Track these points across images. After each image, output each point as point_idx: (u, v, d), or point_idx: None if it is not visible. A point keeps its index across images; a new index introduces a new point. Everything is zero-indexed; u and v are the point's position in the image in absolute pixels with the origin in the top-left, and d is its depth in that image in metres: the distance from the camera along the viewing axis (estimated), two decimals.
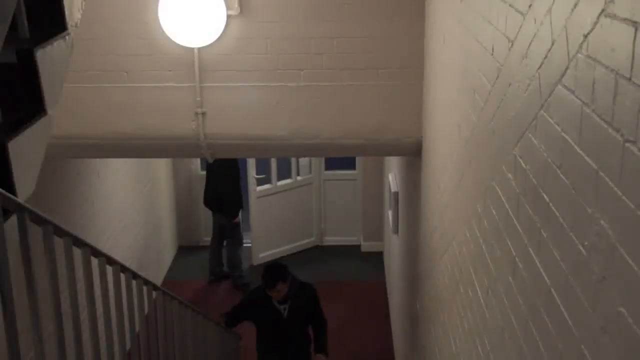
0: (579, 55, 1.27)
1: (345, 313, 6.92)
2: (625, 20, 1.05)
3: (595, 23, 1.18)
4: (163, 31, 3.80)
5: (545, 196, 1.49)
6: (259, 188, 7.95)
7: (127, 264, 2.94)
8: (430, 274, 3.55)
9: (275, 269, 4.84)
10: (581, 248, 1.24)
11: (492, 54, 2.04)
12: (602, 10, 1.15)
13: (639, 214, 1.00)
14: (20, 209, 1.91)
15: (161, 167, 7.91)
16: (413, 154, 4.17)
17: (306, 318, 5.09)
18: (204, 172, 8.39)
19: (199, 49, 3.88)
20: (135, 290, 3.07)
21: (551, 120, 1.45)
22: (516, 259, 1.73)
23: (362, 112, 4.00)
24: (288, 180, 8.18)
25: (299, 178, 8.25)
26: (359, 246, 8.43)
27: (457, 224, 2.71)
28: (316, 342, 5.11)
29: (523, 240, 1.67)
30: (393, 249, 6.47)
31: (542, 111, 1.52)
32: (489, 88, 2.08)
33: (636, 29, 1.01)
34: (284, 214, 8.14)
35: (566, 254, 1.34)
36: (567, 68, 1.35)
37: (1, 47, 1.93)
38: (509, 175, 1.82)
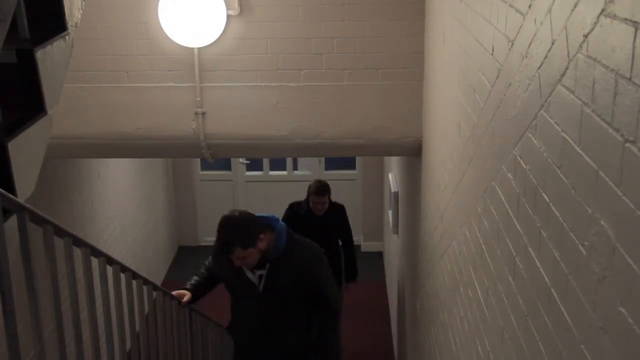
0: (579, 55, 1.27)
1: (345, 313, 6.92)
2: (625, 20, 1.05)
3: (595, 23, 1.18)
4: (163, 31, 3.80)
5: (545, 196, 1.49)
6: (248, 173, 8.14)
7: (127, 264, 2.93)
8: (430, 274, 3.55)
9: (230, 221, 3.23)
10: (581, 248, 1.24)
11: (492, 54, 2.04)
12: (602, 10, 1.15)
13: (639, 214, 1.00)
14: (20, 209, 1.91)
15: (161, 167, 7.91)
16: (413, 154, 4.17)
17: (298, 297, 3.48)
18: (205, 172, 8.39)
19: (199, 49, 3.88)
20: (135, 290, 3.07)
21: (551, 120, 1.45)
22: (516, 259, 1.73)
23: (362, 112, 4.00)
24: (283, 172, 8.23)
25: (296, 172, 8.29)
26: (359, 246, 8.43)
27: (457, 224, 2.71)
28: (318, 338, 3.63)
29: (523, 240, 1.67)
30: (393, 249, 6.47)
31: (542, 111, 1.52)
32: (489, 88, 2.08)
33: (636, 29, 1.01)
34: (282, 208, 8.14)
35: (566, 254, 1.34)
36: (567, 68, 1.35)
37: (1, 47, 1.93)
38: (509, 175, 1.82)
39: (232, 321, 3.70)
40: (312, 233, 4.49)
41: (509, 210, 1.82)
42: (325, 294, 3.54)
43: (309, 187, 5.52)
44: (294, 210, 5.63)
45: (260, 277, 3.40)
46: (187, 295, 3.62)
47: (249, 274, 3.37)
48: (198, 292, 3.74)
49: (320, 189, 5.45)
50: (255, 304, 3.44)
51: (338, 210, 5.70)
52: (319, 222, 5.44)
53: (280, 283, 3.39)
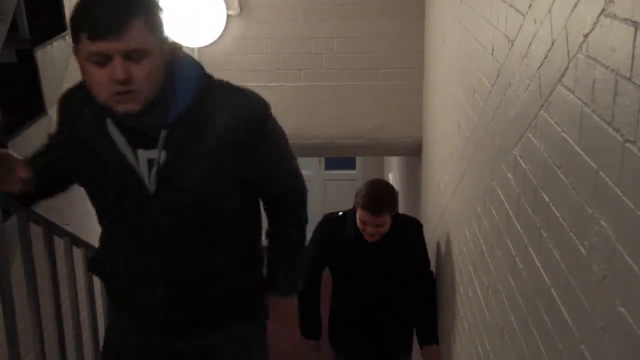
0: (579, 55, 1.27)
1: None
2: (625, 20, 1.05)
3: (595, 23, 1.18)
4: None
5: (545, 196, 1.49)
6: None
7: None
8: None
9: None
10: (581, 248, 1.24)
11: (492, 54, 2.04)
12: (602, 10, 1.15)
13: (639, 214, 1.00)
14: (20, 209, 1.91)
15: None
16: (413, 154, 4.17)
17: (224, 193, 1.70)
18: None
19: (199, 49, 3.88)
20: None
21: (551, 120, 1.45)
22: (516, 259, 1.73)
23: (362, 112, 4.00)
24: None
25: None
26: None
27: (457, 224, 2.71)
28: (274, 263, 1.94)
29: (523, 240, 1.67)
30: None
31: (542, 111, 1.52)
32: (489, 88, 2.08)
33: (636, 29, 1.01)
34: None
35: (566, 254, 1.34)
36: (567, 68, 1.35)
37: (1, 47, 1.93)
38: (509, 175, 1.82)
39: (99, 252, 1.88)
40: (360, 276, 2.99)
41: (509, 210, 1.82)
42: (277, 175, 1.83)
43: (357, 192, 2.98)
44: (329, 229, 3.04)
45: (151, 163, 1.62)
46: (22, 170, 1.67)
47: (129, 154, 1.62)
48: (42, 170, 1.76)
49: (377, 203, 2.87)
50: (143, 218, 1.68)
51: (409, 232, 3.10)
52: (372, 253, 2.96)
53: (191, 170, 1.63)
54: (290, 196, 1.92)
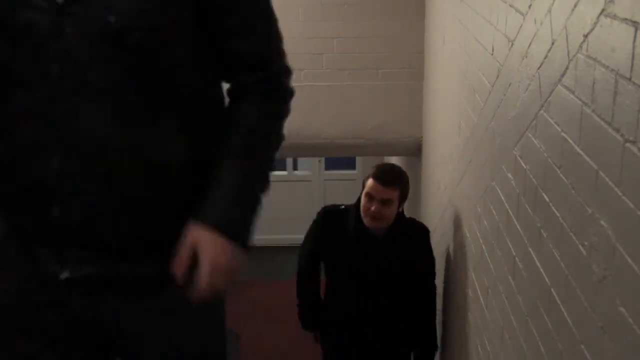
0: (579, 55, 1.27)
1: None
2: (625, 20, 1.05)
3: (595, 23, 1.18)
4: None
5: (545, 196, 1.49)
6: None
7: None
8: None
9: None
10: (581, 248, 1.24)
11: (492, 54, 2.04)
12: (602, 10, 1.15)
13: (639, 214, 1.00)
14: None
15: None
16: (413, 153, 4.17)
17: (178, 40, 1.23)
18: None
19: None
20: None
21: (551, 120, 1.45)
22: (516, 259, 1.73)
23: (362, 112, 4.01)
24: (283, 172, 8.21)
25: (296, 172, 8.27)
26: None
27: (457, 224, 2.71)
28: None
29: (523, 240, 1.67)
30: None
31: (542, 111, 1.52)
32: (489, 88, 2.08)
33: (636, 29, 1.01)
34: (281, 208, 8.10)
35: (566, 254, 1.34)
36: (567, 68, 1.35)
37: None
38: (509, 175, 1.82)
39: None
40: (358, 273, 2.91)
41: (509, 210, 1.82)
42: (247, 10, 1.29)
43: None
44: (329, 221, 2.93)
45: None
46: None
47: None
48: None
49: (388, 173, 2.81)
50: (46, 50, 1.15)
51: (415, 235, 2.95)
52: (374, 249, 2.86)
53: None
54: (262, 50, 1.30)
